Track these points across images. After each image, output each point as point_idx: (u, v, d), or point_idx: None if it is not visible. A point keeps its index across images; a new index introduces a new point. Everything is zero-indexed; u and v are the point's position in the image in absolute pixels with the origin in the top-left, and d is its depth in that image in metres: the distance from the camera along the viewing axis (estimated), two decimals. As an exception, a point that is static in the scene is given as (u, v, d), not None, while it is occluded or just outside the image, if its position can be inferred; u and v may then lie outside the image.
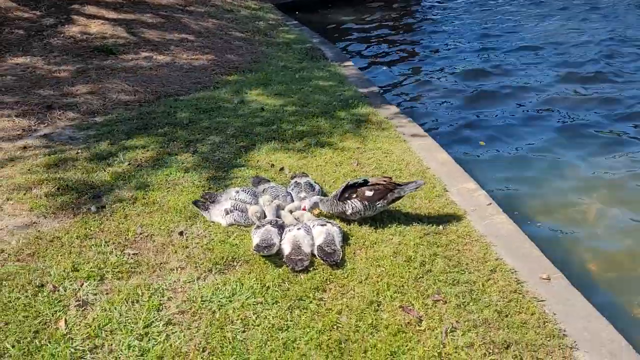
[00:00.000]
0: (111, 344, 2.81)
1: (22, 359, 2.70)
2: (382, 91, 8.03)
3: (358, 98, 6.87)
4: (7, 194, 4.27)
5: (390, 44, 11.44)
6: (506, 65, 9.58)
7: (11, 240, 3.68)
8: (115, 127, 5.76)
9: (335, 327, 2.96)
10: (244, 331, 2.92)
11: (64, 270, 3.35)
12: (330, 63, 8.79)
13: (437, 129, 7.09)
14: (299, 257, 3.43)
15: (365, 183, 3.93)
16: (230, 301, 3.13)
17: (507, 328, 2.98)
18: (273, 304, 3.12)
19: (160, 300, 3.14)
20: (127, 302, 3.10)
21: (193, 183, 4.54)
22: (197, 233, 3.82)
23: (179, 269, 3.43)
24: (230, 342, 2.84)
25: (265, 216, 3.87)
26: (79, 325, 2.93)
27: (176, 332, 2.91)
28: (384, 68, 9.90)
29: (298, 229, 3.65)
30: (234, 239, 3.75)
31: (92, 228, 3.84)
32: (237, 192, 4.17)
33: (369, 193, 3.87)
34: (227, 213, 3.90)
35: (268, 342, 2.84)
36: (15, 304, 3.06)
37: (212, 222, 3.95)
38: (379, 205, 3.89)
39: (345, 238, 3.77)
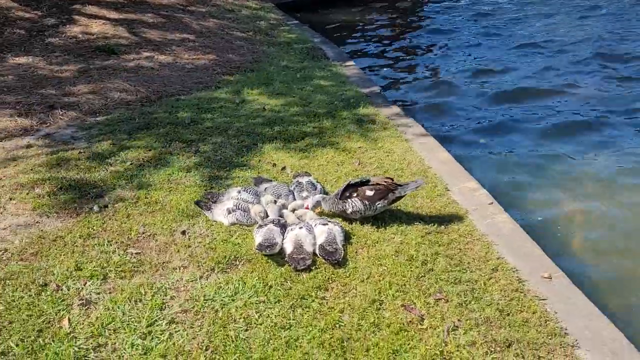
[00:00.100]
0: (114, 343, 2.83)
1: (26, 357, 2.72)
2: (383, 91, 8.04)
3: (359, 98, 6.88)
4: (9, 194, 4.29)
5: (392, 43, 11.45)
6: (508, 64, 9.60)
7: (14, 239, 3.69)
8: (117, 126, 5.77)
9: (337, 325, 2.97)
10: (246, 330, 2.93)
11: (67, 270, 3.36)
12: (332, 63, 8.80)
13: (438, 128, 7.10)
14: (301, 256, 3.44)
15: (366, 182, 3.94)
16: (233, 300, 3.15)
17: (508, 327, 2.99)
18: (275, 302, 3.13)
19: (163, 299, 3.15)
20: (130, 301, 3.11)
21: (195, 183, 4.56)
22: (200, 232, 3.84)
23: (182, 268, 3.44)
24: (233, 341, 2.85)
25: (267, 215, 3.88)
26: (83, 324, 2.94)
27: (179, 330, 2.92)
28: (386, 68, 9.91)
29: (300, 228, 3.66)
30: (236, 238, 3.76)
31: (94, 227, 3.86)
32: (239, 191, 4.19)
33: (369, 192, 3.88)
34: (229, 212, 3.91)
35: (271, 341, 2.85)
36: (19, 303, 3.07)
37: (215, 221, 3.96)
38: (380, 205, 3.89)
39: (347, 237, 3.78)
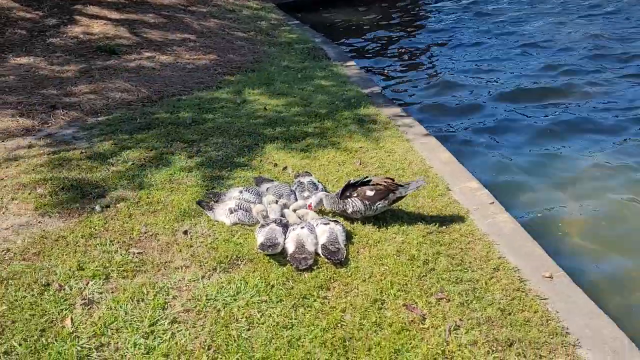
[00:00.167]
0: (117, 342, 2.83)
1: (29, 357, 2.73)
2: (384, 91, 8.05)
3: (360, 98, 6.89)
4: (12, 194, 4.30)
5: (393, 43, 11.46)
6: (508, 63, 9.60)
7: (17, 239, 3.70)
8: (119, 127, 5.78)
9: (339, 325, 2.98)
10: (248, 329, 2.94)
11: (70, 269, 3.37)
12: (333, 63, 8.81)
13: (439, 127, 7.10)
14: (303, 256, 3.45)
15: (367, 182, 3.95)
16: (235, 299, 3.15)
17: (510, 326, 3.00)
18: (277, 302, 3.14)
19: (166, 299, 3.16)
20: (132, 301, 3.12)
21: (196, 183, 4.56)
22: (202, 232, 3.84)
23: (184, 267, 3.45)
24: (235, 340, 2.86)
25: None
26: (85, 323, 2.95)
27: (181, 330, 2.93)
28: (387, 68, 9.92)
29: (302, 227, 3.67)
30: (238, 238, 3.77)
31: (96, 227, 3.86)
32: (241, 191, 4.20)
33: (369, 193, 3.88)
34: (231, 212, 3.92)
35: (273, 340, 2.86)
36: (22, 302, 3.08)
37: (216, 221, 3.97)
38: (380, 205, 3.90)
39: (349, 237, 3.78)
